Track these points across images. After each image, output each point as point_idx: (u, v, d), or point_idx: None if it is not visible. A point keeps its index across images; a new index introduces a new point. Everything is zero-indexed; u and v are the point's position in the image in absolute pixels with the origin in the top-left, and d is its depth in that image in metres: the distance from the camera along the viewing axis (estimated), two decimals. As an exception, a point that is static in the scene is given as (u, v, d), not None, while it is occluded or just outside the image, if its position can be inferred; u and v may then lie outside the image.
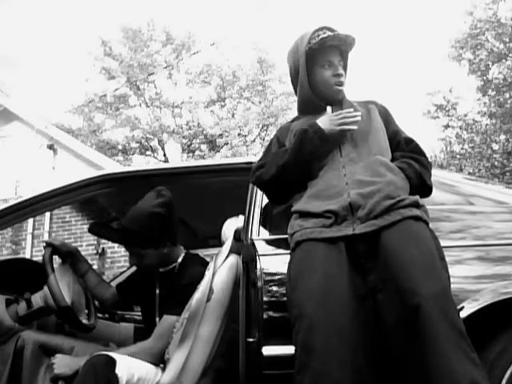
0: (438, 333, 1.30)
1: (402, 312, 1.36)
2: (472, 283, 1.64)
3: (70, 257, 2.25)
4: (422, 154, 1.74)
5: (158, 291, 2.09)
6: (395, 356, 1.39)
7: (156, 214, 2.01)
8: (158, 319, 2.02)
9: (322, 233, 1.54)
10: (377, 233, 1.50)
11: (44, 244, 2.24)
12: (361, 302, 1.44)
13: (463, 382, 1.26)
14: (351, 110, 1.68)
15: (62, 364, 1.83)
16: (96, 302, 2.39)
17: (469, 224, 1.86)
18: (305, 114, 1.82)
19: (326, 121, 1.67)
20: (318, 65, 1.76)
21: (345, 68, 1.81)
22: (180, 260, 2.10)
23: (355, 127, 1.65)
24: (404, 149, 1.74)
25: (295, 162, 1.67)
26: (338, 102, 1.78)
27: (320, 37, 1.73)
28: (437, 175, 1.83)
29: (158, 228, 2.01)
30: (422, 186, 1.66)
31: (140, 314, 2.88)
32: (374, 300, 1.44)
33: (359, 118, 1.65)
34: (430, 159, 1.79)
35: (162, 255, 2.06)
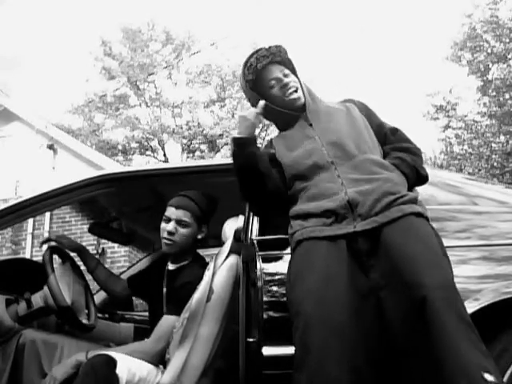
0: (446, 324, 1.29)
1: (408, 306, 1.35)
2: (475, 283, 1.64)
3: (78, 253, 2.28)
4: (408, 141, 1.75)
5: (165, 289, 2.11)
6: (402, 352, 1.37)
7: (213, 199, 2.21)
8: None
9: (323, 231, 1.54)
10: (378, 230, 1.50)
11: (50, 243, 2.26)
12: (362, 300, 1.44)
13: (475, 371, 1.25)
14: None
15: (58, 368, 1.82)
16: (96, 302, 2.39)
17: (474, 224, 1.86)
18: (285, 129, 1.83)
19: (239, 126, 1.73)
20: (266, 89, 1.78)
21: (294, 72, 1.80)
22: (190, 259, 2.13)
23: (262, 102, 1.70)
24: (391, 140, 1.74)
25: (239, 169, 1.71)
26: (312, 106, 1.78)
27: (249, 67, 1.76)
28: (440, 176, 1.83)
29: (209, 210, 2.16)
30: (417, 178, 1.67)
31: (139, 313, 2.89)
32: (376, 298, 1.44)
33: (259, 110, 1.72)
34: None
35: (194, 239, 2.11)
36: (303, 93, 1.78)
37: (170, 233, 2.07)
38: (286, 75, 1.77)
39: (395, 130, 1.78)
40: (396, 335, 1.38)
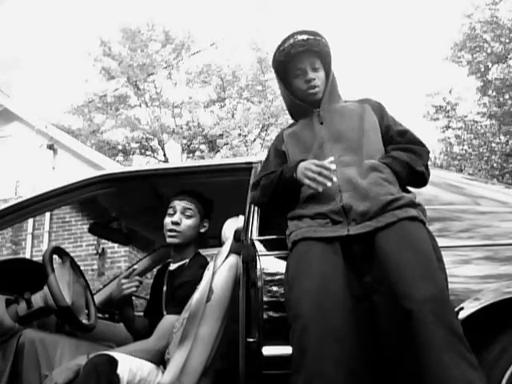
0: (432, 338, 1.29)
1: (396, 316, 1.35)
2: (478, 283, 1.63)
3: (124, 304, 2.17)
4: (418, 142, 1.73)
5: (164, 287, 2.12)
6: (390, 359, 1.38)
7: (210, 200, 2.25)
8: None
9: (317, 232, 1.55)
10: (372, 234, 1.50)
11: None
12: (357, 302, 1.44)
13: None
14: (332, 163, 1.58)
15: (59, 372, 1.82)
16: (96, 302, 2.39)
17: (477, 224, 1.85)
18: (296, 119, 1.86)
19: (302, 167, 1.62)
20: (291, 75, 1.80)
21: (328, 65, 1.79)
22: (190, 258, 2.14)
23: (320, 189, 1.57)
24: (398, 141, 1.74)
25: (273, 194, 1.72)
26: (327, 105, 1.77)
27: (282, 49, 1.76)
28: (443, 176, 1.83)
29: (209, 205, 2.23)
30: (412, 175, 1.64)
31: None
32: (370, 302, 1.44)
33: (329, 184, 1.55)
34: (430, 160, 1.79)
35: (197, 232, 2.16)
36: (325, 90, 1.78)
37: (175, 223, 2.11)
38: (314, 69, 1.77)
39: (404, 132, 1.76)
40: (384, 342, 1.39)
